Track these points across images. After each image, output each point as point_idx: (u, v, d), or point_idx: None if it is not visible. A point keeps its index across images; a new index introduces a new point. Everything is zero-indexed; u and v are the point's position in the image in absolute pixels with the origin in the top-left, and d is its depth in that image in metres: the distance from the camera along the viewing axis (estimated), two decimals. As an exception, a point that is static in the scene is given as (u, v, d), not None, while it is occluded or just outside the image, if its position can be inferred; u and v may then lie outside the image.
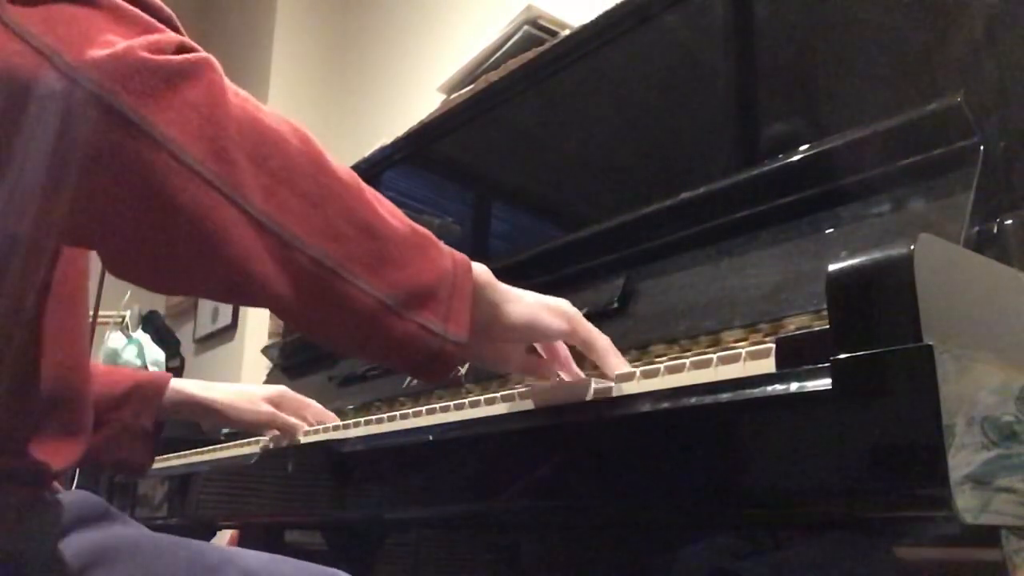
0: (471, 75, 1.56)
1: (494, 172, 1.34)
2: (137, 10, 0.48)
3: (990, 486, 0.39)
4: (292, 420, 0.99)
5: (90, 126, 0.44)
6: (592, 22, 1.09)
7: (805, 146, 0.77)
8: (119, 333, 3.12)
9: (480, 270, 0.56)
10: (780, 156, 0.79)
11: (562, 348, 0.64)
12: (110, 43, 0.45)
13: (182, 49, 0.48)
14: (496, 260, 1.17)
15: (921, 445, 0.37)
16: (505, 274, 1.05)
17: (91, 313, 2.09)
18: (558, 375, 0.64)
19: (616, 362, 0.61)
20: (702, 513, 0.55)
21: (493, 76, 1.29)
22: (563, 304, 0.61)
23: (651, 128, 1.02)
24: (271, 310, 0.50)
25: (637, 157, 1.03)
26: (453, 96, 1.51)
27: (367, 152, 1.59)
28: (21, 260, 0.55)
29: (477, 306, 0.54)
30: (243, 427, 1.04)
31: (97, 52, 0.44)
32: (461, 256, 0.55)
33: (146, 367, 2.98)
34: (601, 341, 0.61)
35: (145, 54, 0.45)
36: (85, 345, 0.72)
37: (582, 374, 0.64)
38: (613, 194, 1.05)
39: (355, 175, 0.52)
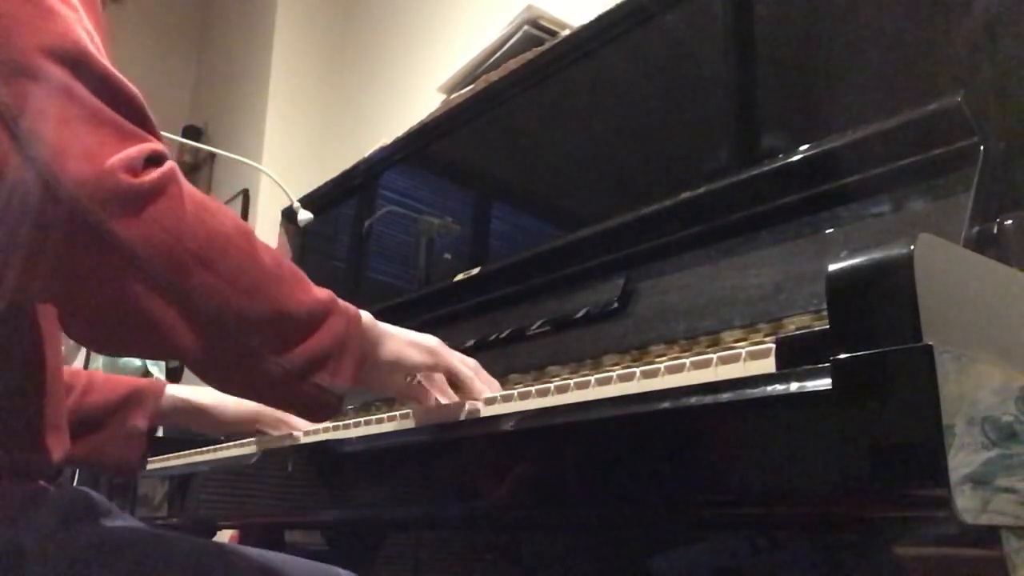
0: (471, 75, 1.56)
1: (494, 172, 1.34)
2: (108, 109, 0.55)
3: (990, 486, 0.39)
4: (278, 413, 1.01)
5: (66, 235, 0.52)
6: (592, 22, 1.09)
7: (805, 146, 0.77)
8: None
9: (365, 318, 0.68)
10: (780, 156, 0.79)
11: (437, 376, 0.74)
12: (89, 156, 0.53)
13: (152, 157, 0.56)
14: (496, 260, 1.17)
15: (921, 445, 0.37)
16: (505, 274, 1.05)
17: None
18: (436, 399, 0.75)
19: (480, 387, 0.73)
20: (702, 513, 0.55)
21: (493, 76, 1.29)
22: (428, 340, 0.73)
23: (651, 128, 1.02)
24: (200, 377, 0.61)
25: (637, 157, 1.03)
26: (453, 96, 1.51)
27: (367, 152, 1.59)
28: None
29: (362, 349, 0.66)
30: (232, 425, 1.07)
31: (76, 168, 0.52)
32: (354, 312, 0.66)
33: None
34: (464, 370, 0.73)
35: (124, 177, 0.53)
36: (58, 338, 0.74)
37: (456, 398, 0.74)
38: (613, 194, 1.05)
39: (277, 257, 0.62)
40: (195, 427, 1.10)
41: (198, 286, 0.56)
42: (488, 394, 0.71)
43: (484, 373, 0.76)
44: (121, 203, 0.53)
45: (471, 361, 0.75)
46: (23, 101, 0.52)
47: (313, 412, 0.65)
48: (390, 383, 0.72)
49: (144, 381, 1.06)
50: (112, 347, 0.65)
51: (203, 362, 0.59)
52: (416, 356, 0.71)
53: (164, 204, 0.55)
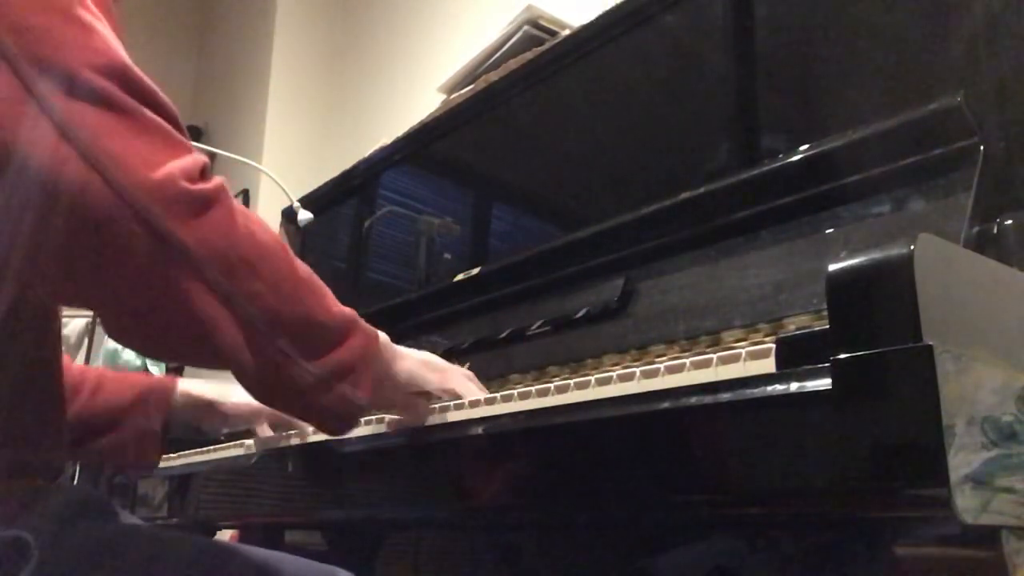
0: (471, 75, 1.56)
1: (494, 172, 1.34)
2: (157, 119, 0.59)
3: (990, 486, 0.39)
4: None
5: (130, 237, 0.55)
6: (592, 22, 1.09)
7: (805, 146, 0.77)
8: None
9: (382, 338, 0.71)
10: (780, 156, 0.79)
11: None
12: (148, 163, 0.56)
13: (204, 170, 0.60)
14: (496, 260, 1.17)
15: (921, 445, 0.37)
16: (505, 274, 1.05)
17: (92, 313, 2.10)
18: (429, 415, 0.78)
19: (474, 390, 0.77)
20: (702, 513, 0.55)
21: (493, 76, 1.29)
22: (436, 360, 0.78)
23: (651, 128, 1.02)
24: (237, 379, 0.64)
25: (637, 157, 1.03)
26: (453, 96, 1.51)
27: (367, 152, 1.59)
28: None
29: (378, 366, 0.70)
30: (240, 419, 1.06)
31: (142, 174, 0.56)
32: (372, 331, 0.70)
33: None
34: (466, 392, 0.76)
35: (184, 183, 0.57)
36: (59, 333, 0.74)
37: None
38: (613, 194, 1.05)
39: (310, 272, 0.67)
40: (205, 424, 1.10)
41: (246, 289, 0.60)
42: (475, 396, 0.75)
43: (476, 386, 0.80)
44: (183, 207, 0.57)
45: (470, 376, 0.80)
46: (81, 115, 0.55)
47: (333, 423, 0.68)
48: (396, 400, 0.75)
49: (155, 378, 1.06)
50: (158, 348, 0.68)
51: (241, 364, 0.62)
52: (431, 376, 0.76)
53: (219, 212, 0.59)
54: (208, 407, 1.05)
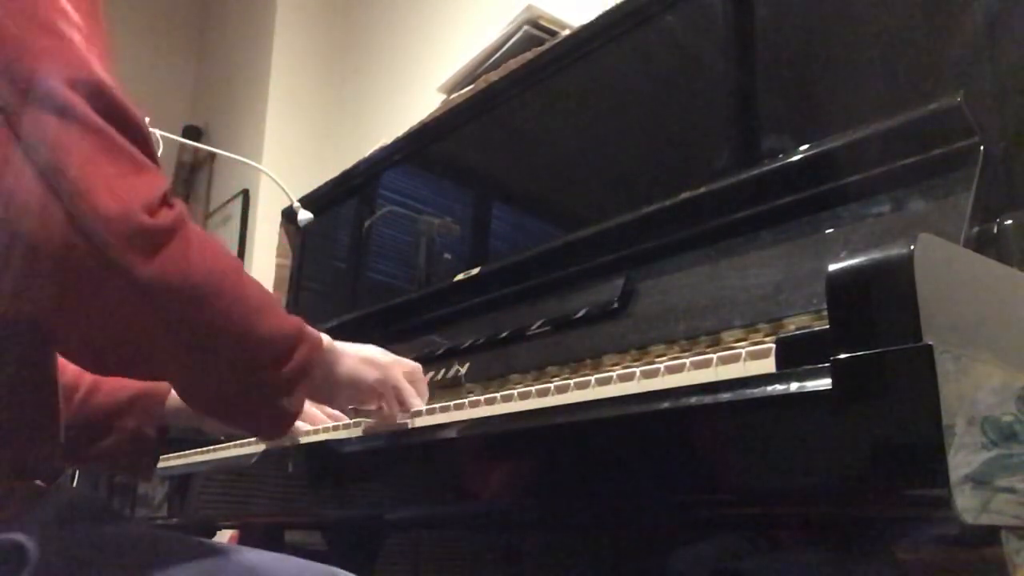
0: (471, 75, 1.56)
1: (494, 172, 1.34)
2: (123, 140, 0.58)
3: (990, 486, 0.39)
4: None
5: (84, 269, 0.56)
6: (592, 22, 1.09)
7: (805, 146, 0.77)
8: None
9: (325, 342, 0.74)
10: (780, 156, 0.79)
11: (384, 389, 0.80)
12: (110, 190, 0.56)
13: (165, 197, 0.60)
14: (496, 260, 1.17)
15: (921, 445, 0.37)
16: (505, 274, 1.05)
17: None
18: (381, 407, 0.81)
19: (416, 402, 0.80)
20: (702, 513, 0.55)
21: (493, 76, 1.29)
22: (376, 354, 0.80)
23: (651, 128, 1.02)
24: (176, 391, 0.69)
25: (637, 157, 1.03)
26: (453, 96, 1.51)
27: (367, 152, 1.59)
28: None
29: (319, 375, 0.73)
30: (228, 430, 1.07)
31: (102, 205, 0.55)
32: (316, 339, 0.72)
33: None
34: (406, 387, 0.80)
35: (142, 217, 0.57)
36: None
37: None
38: (613, 194, 1.05)
39: (258, 287, 0.68)
40: (205, 427, 1.10)
41: (197, 320, 0.62)
42: (419, 407, 0.79)
43: (423, 383, 0.83)
44: (141, 242, 0.57)
45: (416, 367, 0.83)
46: (44, 129, 0.55)
47: (267, 431, 0.74)
48: (345, 399, 0.79)
49: (149, 384, 1.05)
50: (105, 370, 0.72)
51: (185, 386, 0.67)
52: (369, 374, 0.78)
53: (176, 245, 0.60)
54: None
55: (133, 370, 0.67)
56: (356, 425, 0.85)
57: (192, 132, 3.43)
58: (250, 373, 0.66)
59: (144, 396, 1.02)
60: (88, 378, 1.00)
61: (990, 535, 0.40)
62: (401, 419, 0.77)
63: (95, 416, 0.98)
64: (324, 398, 0.77)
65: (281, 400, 0.69)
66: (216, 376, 0.65)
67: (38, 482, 0.67)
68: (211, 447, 1.17)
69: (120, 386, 1.01)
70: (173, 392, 1.01)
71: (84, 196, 0.55)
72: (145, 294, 0.58)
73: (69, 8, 0.59)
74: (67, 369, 0.96)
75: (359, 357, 0.78)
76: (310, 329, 0.72)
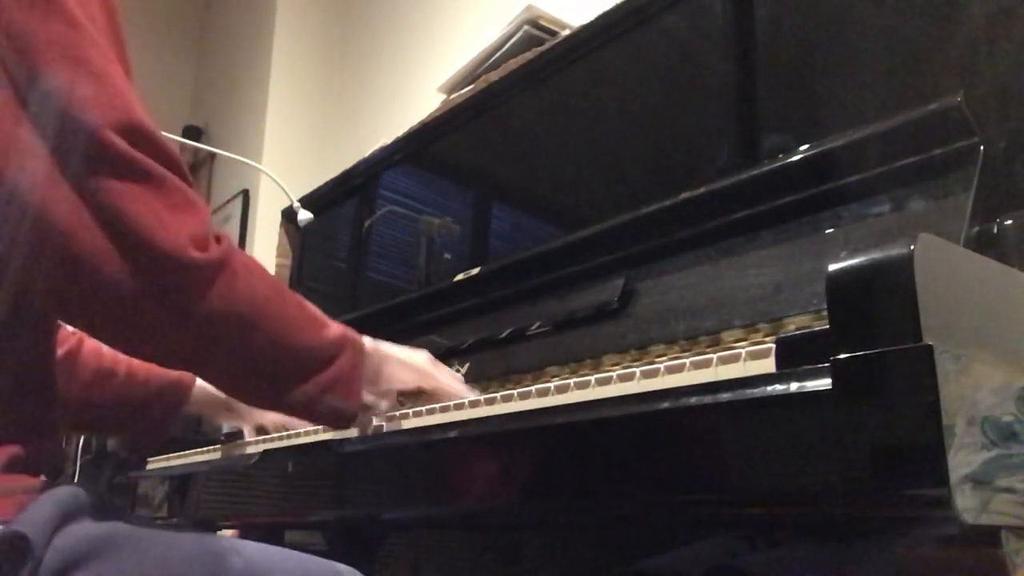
0: (471, 75, 1.56)
1: (494, 172, 1.34)
2: (173, 178, 0.62)
3: (990, 486, 0.39)
4: None
5: (145, 309, 0.60)
6: (592, 22, 1.09)
7: (805, 146, 0.77)
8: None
9: (368, 344, 0.79)
10: (780, 156, 0.79)
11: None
12: (165, 228, 0.60)
13: (209, 227, 0.64)
14: (496, 260, 1.17)
15: (921, 445, 0.37)
16: (505, 274, 1.05)
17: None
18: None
19: (462, 390, 0.84)
20: (702, 512, 0.55)
21: (493, 76, 1.29)
22: (419, 359, 0.84)
23: (651, 128, 1.02)
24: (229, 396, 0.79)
25: (637, 157, 1.03)
26: (453, 96, 1.51)
27: (367, 152, 1.59)
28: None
29: (359, 377, 0.77)
30: (260, 421, 1.14)
31: (158, 242, 0.59)
32: (359, 343, 0.77)
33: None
34: (450, 390, 0.83)
35: (195, 254, 0.61)
36: (55, 332, 0.74)
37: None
38: (613, 194, 1.05)
39: (301, 302, 0.74)
40: (222, 419, 1.16)
41: (241, 345, 0.67)
42: (471, 396, 0.80)
43: (466, 389, 0.86)
44: (193, 279, 0.62)
45: (458, 378, 0.87)
46: (97, 179, 0.58)
47: (330, 423, 0.79)
48: (381, 403, 0.82)
49: (175, 374, 1.13)
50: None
51: (234, 392, 0.74)
52: (409, 377, 0.82)
53: (225, 278, 0.64)
54: (223, 404, 1.13)
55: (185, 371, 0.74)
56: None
57: (192, 132, 3.43)
58: (292, 383, 0.71)
59: (175, 384, 1.11)
60: (124, 362, 1.08)
61: (990, 535, 0.40)
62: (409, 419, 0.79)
63: (131, 398, 1.07)
64: (359, 399, 0.81)
65: (329, 401, 0.74)
66: (262, 386, 0.72)
67: (40, 478, 0.67)
68: (211, 447, 1.17)
69: (148, 376, 1.09)
70: (199, 383, 1.13)
71: (140, 234, 0.58)
72: (193, 326, 0.63)
73: (100, 38, 0.61)
74: (103, 351, 1.04)
75: (400, 361, 0.83)
76: (353, 335, 0.77)
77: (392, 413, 0.81)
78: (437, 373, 0.85)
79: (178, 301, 0.62)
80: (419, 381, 0.83)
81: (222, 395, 1.06)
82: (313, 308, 0.76)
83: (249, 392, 0.75)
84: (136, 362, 1.08)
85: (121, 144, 0.58)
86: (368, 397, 0.79)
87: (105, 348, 1.05)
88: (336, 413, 0.75)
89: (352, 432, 0.84)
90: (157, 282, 0.60)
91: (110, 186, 0.58)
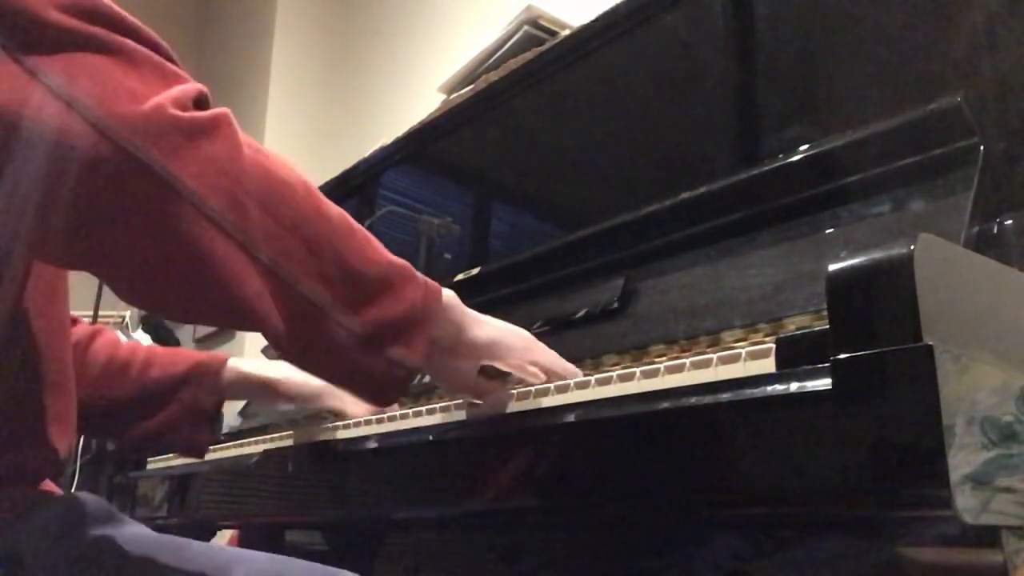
0: (471, 75, 1.56)
1: (494, 172, 1.34)
2: (148, 51, 0.53)
3: (990, 486, 0.39)
4: (339, 395, 0.93)
5: (119, 177, 0.49)
6: (592, 22, 1.09)
7: (805, 146, 0.77)
8: (119, 332, 3.11)
9: (448, 295, 0.62)
10: (780, 156, 0.79)
11: (532, 369, 0.68)
12: (134, 95, 0.50)
13: (200, 100, 0.53)
14: (496, 260, 1.17)
15: (921, 445, 0.37)
16: (505, 274, 1.05)
17: (92, 312, 2.10)
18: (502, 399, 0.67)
19: (571, 368, 0.68)
20: (702, 513, 0.55)
21: (493, 76, 1.29)
22: (523, 332, 0.68)
23: (651, 128, 1.02)
24: (264, 336, 0.56)
25: (637, 157, 1.03)
26: (453, 96, 1.51)
27: (367, 152, 1.59)
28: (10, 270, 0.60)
29: (442, 328, 0.61)
30: (299, 401, 1.01)
31: (125, 107, 0.49)
32: (433, 286, 0.61)
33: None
34: (557, 366, 0.67)
35: (173, 111, 0.50)
36: (67, 334, 0.73)
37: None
38: (613, 194, 1.05)
39: (346, 216, 0.58)
40: (258, 402, 1.05)
41: (260, 229, 0.53)
42: (579, 375, 0.66)
43: (570, 367, 0.70)
44: (174, 136, 0.50)
45: (557, 357, 0.70)
46: (52, 60, 0.50)
47: (378, 392, 0.60)
48: (462, 372, 0.66)
49: (205, 354, 1.01)
50: (177, 305, 0.57)
51: (267, 319, 0.54)
52: (514, 340, 0.66)
53: (220, 143, 0.52)
54: (260, 385, 0.98)
55: (201, 304, 0.55)
56: (355, 425, 0.85)
57: (192, 132, 3.42)
58: (339, 308, 0.55)
59: (201, 369, 0.97)
60: (142, 351, 0.97)
61: (990, 535, 0.40)
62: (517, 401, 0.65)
63: (152, 389, 0.93)
64: (437, 366, 0.63)
65: (393, 351, 0.57)
66: (298, 308, 0.54)
67: (39, 485, 0.67)
68: (211, 447, 1.17)
69: (176, 357, 0.98)
70: (230, 363, 0.98)
71: (104, 104, 0.49)
72: (189, 195, 0.50)
73: None
74: (120, 344, 0.96)
75: (502, 327, 0.67)
76: (423, 276, 0.61)
77: (452, 401, 0.68)
78: (544, 348, 0.69)
79: (157, 160, 0.49)
80: (526, 350, 0.66)
81: (261, 376, 0.97)
82: (369, 233, 0.60)
83: (281, 326, 0.55)
84: (157, 351, 0.97)
85: (70, 20, 0.51)
86: (442, 360, 0.62)
87: (123, 342, 0.97)
88: (390, 370, 0.57)
89: (354, 432, 0.83)
90: (129, 145, 0.49)
91: (65, 64, 0.50)
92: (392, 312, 0.57)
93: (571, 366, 0.69)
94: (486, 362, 0.66)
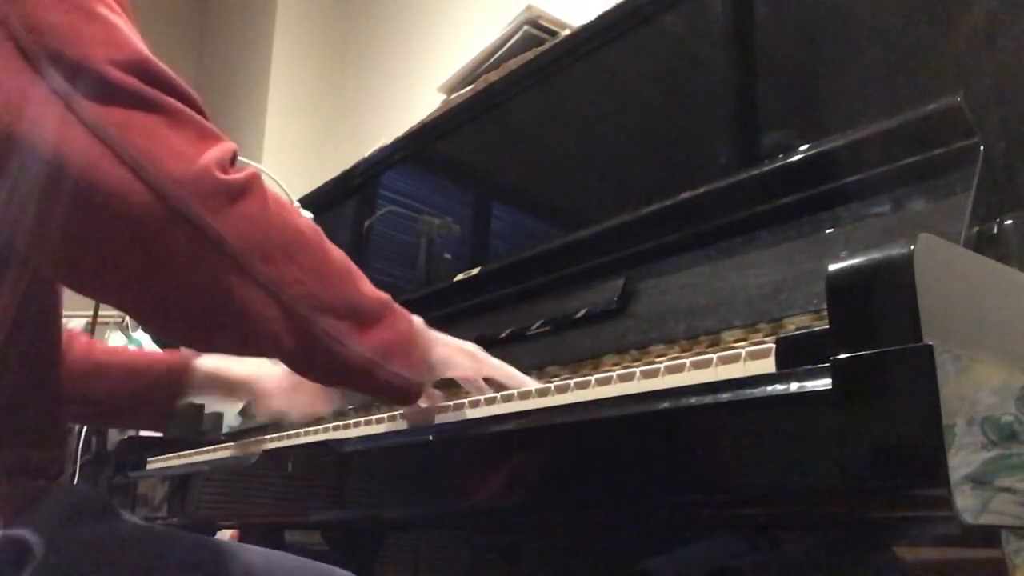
0: (471, 75, 1.56)
1: (494, 172, 1.34)
2: (189, 110, 0.59)
3: (990, 486, 0.39)
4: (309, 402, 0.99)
5: (168, 231, 0.55)
6: (592, 22, 1.09)
7: (805, 146, 0.77)
8: (119, 333, 3.11)
9: (418, 320, 0.73)
10: (780, 156, 0.79)
11: (479, 382, 0.79)
12: (183, 156, 0.57)
13: (234, 158, 0.61)
14: (496, 260, 1.17)
15: (921, 445, 0.37)
16: (505, 274, 1.05)
17: (92, 312, 2.10)
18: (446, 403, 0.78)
19: (523, 380, 0.78)
20: (702, 513, 0.55)
21: (493, 76, 1.29)
22: (472, 346, 0.78)
23: (651, 128, 1.02)
24: (285, 364, 0.65)
25: (637, 157, 1.03)
26: (453, 96, 1.51)
27: (367, 152, 1.59)
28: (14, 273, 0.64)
29: (415, 345, 0.71)
30: (271, 400, 1.04)
31: (176, 168, 0.56)
32: (407, 313, 0.71)
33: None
34: (504, 375, 0.78)
35: (218, 174, 0.57)
36: (58, 331, 0.74)
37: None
38: (613, 194, 1.05)
39: (343, 254, 0.67)
40: (236, 397, 1.09)
41: (286, 275, 0.60)
42: (530, 386, 0.73)
43: (520, 375, 0.80)
44: (219, 198, 0.57)
45: (509, 369, 0.80)
46: (109, 114, 0.55)
47: (399, 400, 0.70)
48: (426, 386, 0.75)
49: (172, 356, 1.05)
50: (202, 343, 0.67)
51: (294, 351, 0.63)
52: (465, 360, 0.76)
53: (253, 200, 0.59)
54: (229, 384, 1.04)
55: (239, 338, 0.63)
56: (355, 425, 0.85)
57: (192, 132, 3.42)
58: (350, 335, 0.64)
59: (169, 371, 1.02)
60: (118, 355, 1.02)
61: (990, 535, 0.40)
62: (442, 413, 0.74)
63: (119, 394, 0.99)
64: (419, 372, 0.73)
65: (394, 365, 0.67)
66: (318, 340, 0.63)
67: (41, 480, 0.68)
68: (211, 447, 1.17)
69: (146, 360, 1.03)
70: (197, 363, 1.03)
71: (156, 164, 0.55)
72: (227, 248, 0.57)
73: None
74: (94, 348, 0.98)
75: (455, 346, 0.77)
76: (399, 306, 0.71)
77: (413, 408, 0.75)
78: (494, 362, 0.79)
79: (201, 219, 0.56)
80: (476, 370, 0.77)
81: (224, 373, 1.03)
82: (356, 267, 0.69)
83: (300, 353, 0.63)
84: (133, 354, 1.02)
85: (129, 79, 0.56)
86: (425, 373, 0.72)
87: (98, 344, 1.01)
88: (402, 382, 0.67)
89: (354, 432, 0.83)
90: (180, 205, 0.55)
91: (122, 121, 0.55)
92: (392, 334, 0.67)
93: (520, 376, 0.79)
94: (440, 376, 0.76)
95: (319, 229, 0.66)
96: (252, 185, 0.60)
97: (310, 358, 0.64)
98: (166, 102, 0.58)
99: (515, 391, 0.66)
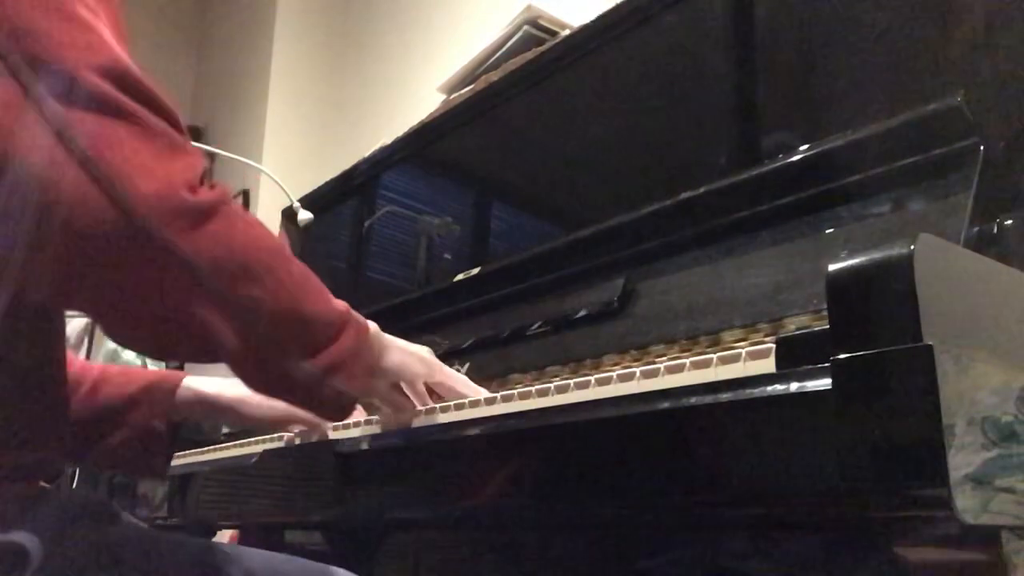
0: (471, 75, 1.56)
1: (494, 172, 1.34)
2: (162, 122, 0.59)
3: (990, 486, 0.39)
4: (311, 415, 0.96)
5: (130, 248, 0.56)
6: (592, 22, 1.09)
7: (805, 146, 0.77)
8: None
9: (373, 327, 0.74)
10: (780, 156, 0.79)
11: (419, 386, 0.80)
12: (151, 173, 0.56)
13: (204, 175, 0.60)
14: (496, 260, 1.17)
15: (921, 445, 0.37)
16: (505, 274, 1.05)
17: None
18: (415, 408, 0.80)
19: (471, 391, 0.79)
20: (702, 513, 0.55)
21: (493, 76, 1.29)
22: (422, 350, 0.79)
23: (651, 128, 1.02)
24: (234, 373, 0.67)
25: (637, 157, 1.03)
26: (453, 96, 1.51)
27: (367, 152, 1.59)
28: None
29: (368, 355, 0.72)
30: (257, 424, 1.01)
31: (143, 185, 0.56)
32: (363, 324, 0.72)
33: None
34: (454, 383, 0.80)
35: (184, 194, 0.57)
36: (62, 335, 0.73)
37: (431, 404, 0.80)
38: (613, 194, 1.05)
39: (304, 269, 0.68)
40: (223, 422, 1.07)
41: (244, 297, 0.61)
42: (478, 395, 0.76)
43: (472, 385, 0.81)
44: (183, 219, 0.57)
45: (459, 375, 0.82)
46: (79, 120, 0.55)
47: (330, 413, 0.71)
48: (380, 389, 0.77)
49: (159, 373, 1.01)
50: (157, 352, 0.71)
51: (241, 364, 0.65)
52: (416, 367, 0.77)
53: (220, 221, 0.60)
54: (215, 407, 1.00)
55: (189, 351, 0.65)
56: (355, 425, 0.85)
57: (192, 132, 3.42)
58: (297, 357, 0.65)
59: (153, 388, 0.97)
60: (96, 370, 0.96)
61: (990, 535, 0.40)
62: (416, 418, 0.77)
63: (102, 409, 0.94)
64: (360, 385, 0.75)
65: (336, 382, 0.68)
66: (267, 356, 0.64)
67: (39, 483, 0.67)
68: (211, 447, 1.17)
69: (128, 378, 0.97)
70: (185, 382, 0.99)
71: (123, 180, 0.55)
72: (191, 269, 0.58)
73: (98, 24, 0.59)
74: (74, 362, 0.94)
75: (406, 350, 0.78)
76: (356, 314, 0.72)
77: (398, 412, 0.78)
78: (445, 368, 0.80)
79: (168, 240, 0.56)
80: (428, 375, 0.79)
81: (213, 394, 0.98)
82: (316, 278, 0.71)
83: (249, 366, 0.66)
84: (111, 370, 0.97)
85: (102, 84, 0.56)
86: (369, 383, 0.74)
87: (76, 361, 0.94)
88: (338, 398, 0.69)
89: (354, 432, 0.84)
90: (145, 225, 0.55)
91: (92, 130, 0.55)
92: (338, 353, 0.67)
93: (473, 385, 0.80)
94: (395, 381, 0.77)
95: (284, 246, 0.68)
96: (218, 205, 0.60)
97: (261, 374, 0.66)
98: (140, 112, 0.57)
99: (515, 392, 0.66)
